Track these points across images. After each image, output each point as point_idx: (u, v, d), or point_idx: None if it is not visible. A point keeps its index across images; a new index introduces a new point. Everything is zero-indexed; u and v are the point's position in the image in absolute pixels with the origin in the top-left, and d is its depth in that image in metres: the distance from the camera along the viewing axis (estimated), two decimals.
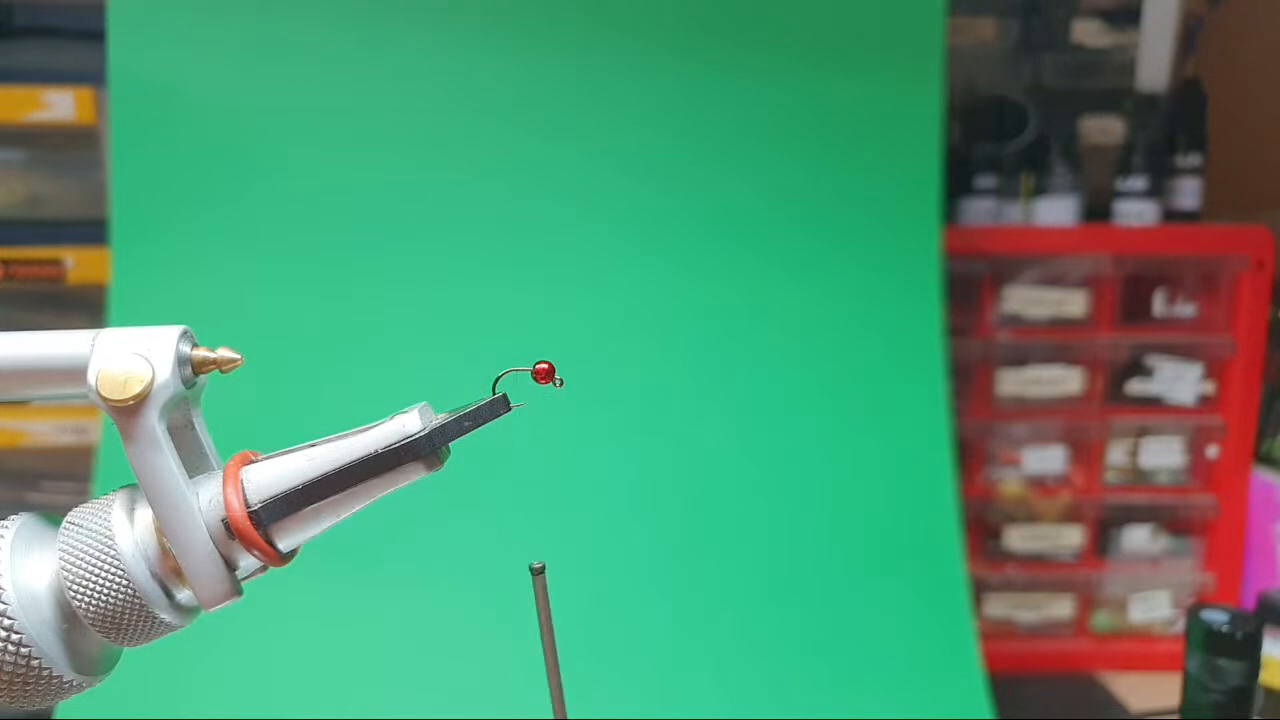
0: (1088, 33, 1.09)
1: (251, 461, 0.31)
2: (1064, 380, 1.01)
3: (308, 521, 0.31)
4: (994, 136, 1.05)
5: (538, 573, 0.35)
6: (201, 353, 0.32)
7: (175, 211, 0.86)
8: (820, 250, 0.92)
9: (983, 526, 1.04)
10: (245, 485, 0.31)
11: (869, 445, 0.92)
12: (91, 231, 0.94)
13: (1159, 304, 1.03)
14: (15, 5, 0.95)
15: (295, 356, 0.86)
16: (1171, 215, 1.03)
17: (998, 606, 1.05)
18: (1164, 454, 1.04)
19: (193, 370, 0.31)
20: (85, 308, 0.97)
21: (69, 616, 0.30)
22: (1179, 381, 1.02)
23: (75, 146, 0.95)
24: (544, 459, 0.90)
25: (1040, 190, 1.02)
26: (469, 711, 0.84)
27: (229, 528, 0.30)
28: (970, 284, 0.99)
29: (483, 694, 0.86)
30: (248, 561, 0.31)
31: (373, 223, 0.90)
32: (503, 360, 0.33)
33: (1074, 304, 1.00)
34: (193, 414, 0.33)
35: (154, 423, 0.30)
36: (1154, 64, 1.09)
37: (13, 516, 0.31)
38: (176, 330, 0.31)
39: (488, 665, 0.87)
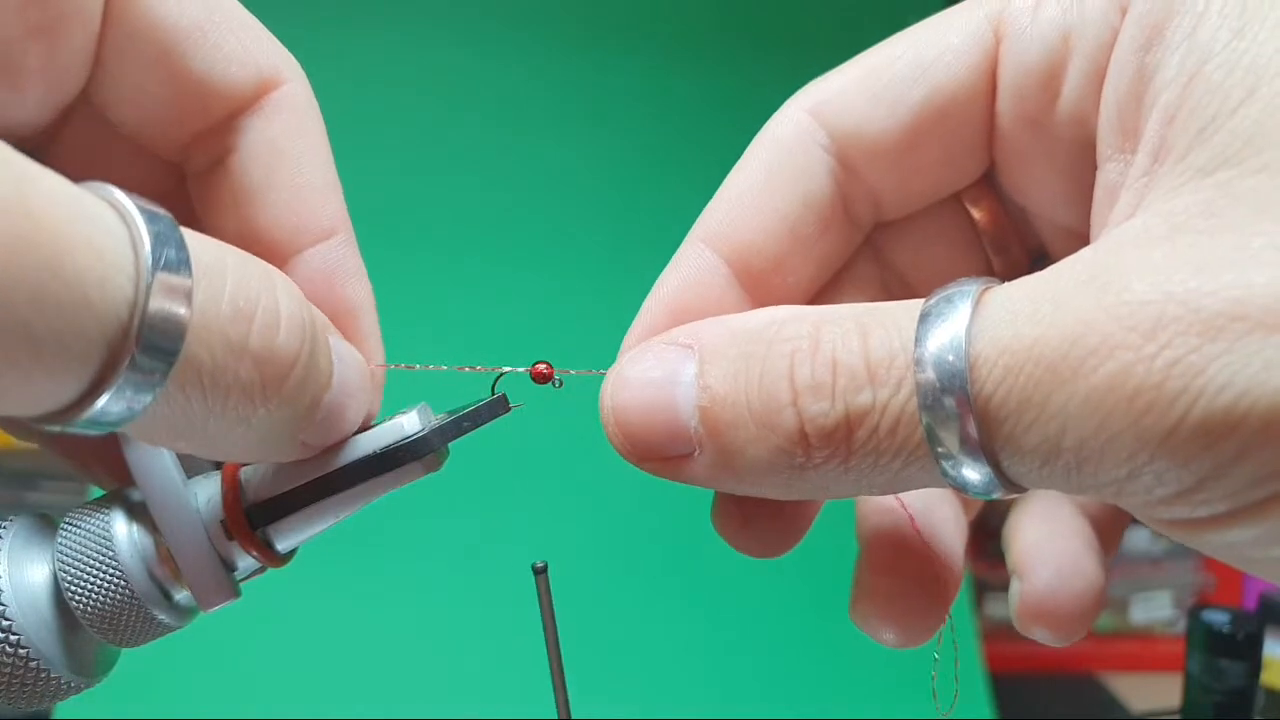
0: None
1: (250, 462, 0.31)
2: None
3: (306, 522, 0.30)
4: None
5: (540, 572, 0.35)
6: None
7: None
8: None
9: (983, 527, 1.04)
10: (243, 486, 0.30)
11: None
12: None
13: None
14: None
15: None
16: None
17: (998, 606, 1.05)
18: None
19: None
20: None
21: (67, 617, 0.30)
22: None
23: None
24: (544, 458, 0.90)
25: None
26: (470, 711, 0.84)
27: (227, 529, 0.30)
28: None
29: (484, 693, 0.86)
30: (246, 562, 0.31)
31: (372, 222, 0.89)
32: (503, 361, 0.33)
33: None
34: None
35: None
36: None
37: (11, 518, 0.31)
38: None
39: (488, 665, 0.87)
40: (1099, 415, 0.22)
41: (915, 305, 0.25)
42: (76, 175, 0.22)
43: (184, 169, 0.32)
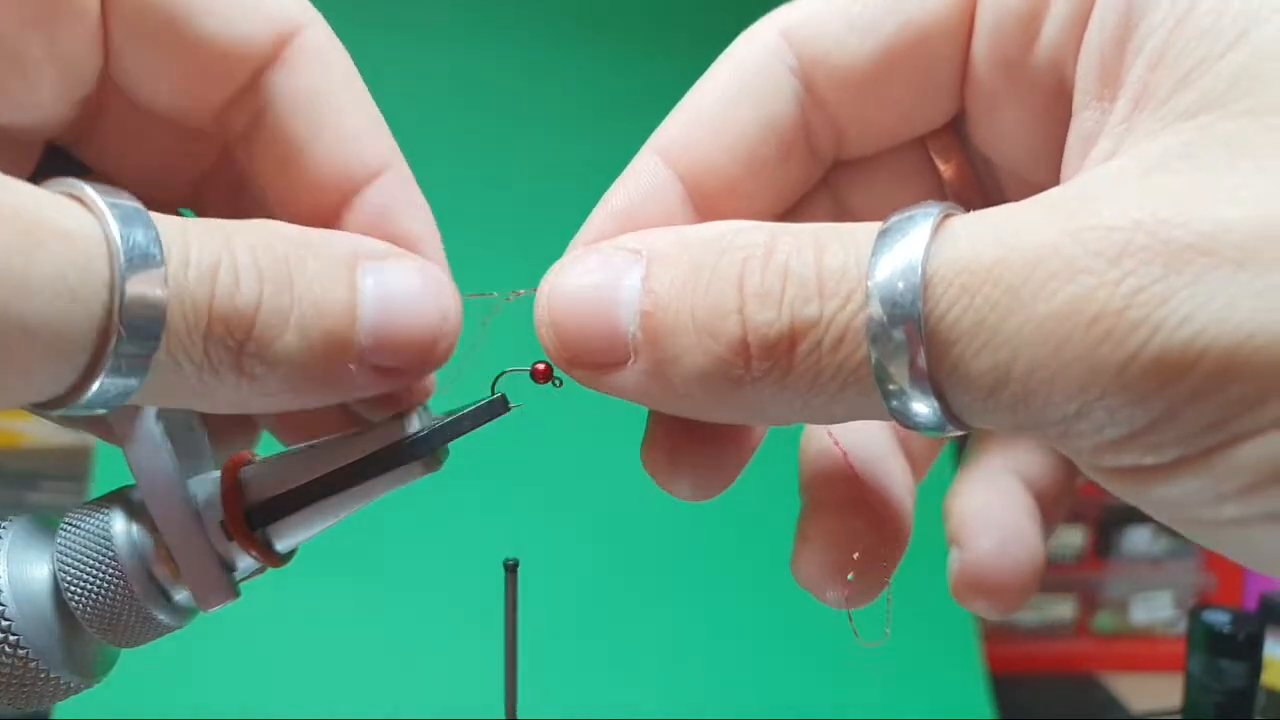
0: None
1: (249, 462, 0.31)
2: None
3: (306, 522, 0.30)
4: None
5: (511, 569, 0.35)
6: None
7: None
8: None
9: None
10: (243, 486, 0.31)
11: None
12: None
13: None
14: None
15: None
16: None
17: None
18: None
19: None
20: None
21: (66, 617, 0.30)
22: None
23: None
24: (544, 457, 0.90)
25: None
26: (468, 712, 0.84)
27: (226, 529, 0.30)
28: None
29: (481, 693, 0.86)
30: (245, 562, 0.31)
31: None
32: (503, 360, 0.33)
33: None
34: (191, 414, 0.33)
35: (152, 423, 0.30)
36: None
37: (11, 518, 0.31)
38: None
39: (485, 665, 0.86)
40: (1054, 341, 0.21)
41: (876, 225, 0.25)
42: (118, 163, 0.23)
43: (225, 138, 0.31)
